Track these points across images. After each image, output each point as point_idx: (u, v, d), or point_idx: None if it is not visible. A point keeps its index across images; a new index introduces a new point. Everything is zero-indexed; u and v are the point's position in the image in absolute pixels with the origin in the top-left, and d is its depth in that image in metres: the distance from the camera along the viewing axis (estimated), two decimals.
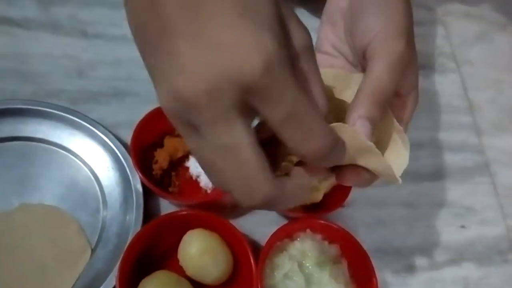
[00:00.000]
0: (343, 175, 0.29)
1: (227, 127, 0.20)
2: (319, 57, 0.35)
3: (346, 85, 0.32)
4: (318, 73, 0.24)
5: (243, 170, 0.21)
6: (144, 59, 0.22)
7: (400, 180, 0.29)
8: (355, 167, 0.29)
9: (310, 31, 0.29)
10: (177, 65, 0.19)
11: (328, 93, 0.33)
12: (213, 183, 0.24)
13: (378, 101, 0.28)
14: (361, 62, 0.32)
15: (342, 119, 0.30)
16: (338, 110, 0.32)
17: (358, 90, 0.29)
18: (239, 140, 0.20)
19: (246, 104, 0.20)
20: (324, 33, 0.37)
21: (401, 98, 0.32)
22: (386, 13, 0.31)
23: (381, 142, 0.31)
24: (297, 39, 0.23)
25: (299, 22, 0.23)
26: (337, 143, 0.23)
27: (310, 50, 0.23)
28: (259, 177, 0.21)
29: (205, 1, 0.19)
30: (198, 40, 0.19)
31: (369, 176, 0.29)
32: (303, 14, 0.63)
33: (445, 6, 0.75)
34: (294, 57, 0.23)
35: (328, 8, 0.37)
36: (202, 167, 0.23)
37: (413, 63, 0.32)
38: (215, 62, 0.19)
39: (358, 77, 0.31)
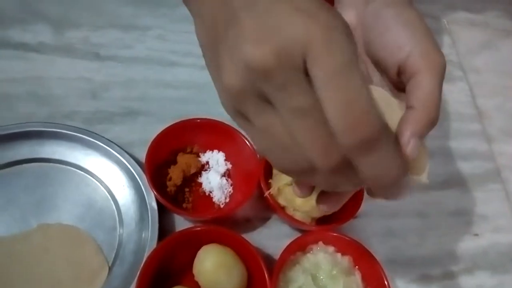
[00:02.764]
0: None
1: (299, 88, 0.21)
2: None
3: (386, 107, 0.33)
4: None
5: (320, 130, 0.21)
6: (209, 57, 0.25)
7: (427, 180, 0.29)
8: None
9: None
10: (243, 38, 0.21)
11: None
12: (280, 161, 0.24)
13: (433, 118, 0.28)
14: (394, 78, 0.32)
15: None
16: None
17: (411, 108, 0.29)
18: (312, 100, 0.21)
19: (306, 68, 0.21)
20: None
21: None
22: (412, 25, 0.31)
23: None
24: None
25: None
26: (380, 134, 0.21)
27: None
28: (334, 135, 0.21)
29: None
30: (261, 13, 0.21)
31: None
32: None
33: (450, 15, 0.76)
34: None
35: None
36: (270, 147, 0.24)
37: None
38: (278, 27, 0.20)
39: (396, 103, 0.31)
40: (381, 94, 0.33)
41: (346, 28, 0.22)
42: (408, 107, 0.29)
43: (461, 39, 0.73)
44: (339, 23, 0.21)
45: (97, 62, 0.54)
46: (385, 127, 0.22)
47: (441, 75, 0.29)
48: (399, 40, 0.31)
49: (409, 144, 0.27)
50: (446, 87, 0.66)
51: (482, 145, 0.64)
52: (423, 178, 0.31)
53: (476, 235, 0.56)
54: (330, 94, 0.20)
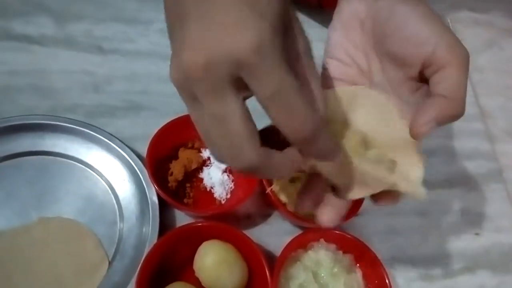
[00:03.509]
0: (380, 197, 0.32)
1: (219, 97, 0.23)
2: (331, 63, 0.36)
3: (356, 102, 0.34)
4: (317, 73, 0.27)
5: (231, 138, 0.24)
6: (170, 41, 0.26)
7: (424, 194, 0.30)
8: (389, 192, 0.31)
9: (319, 42, 0.32)
10: (185, 41, 0.23)
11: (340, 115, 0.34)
12: (209, 149, 0.27)
13: (459, 111, 0.30)
14: (411, 71, 0.33)
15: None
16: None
17: (438, 95, 0.30)
18: (229, 110, 0.23)
19: (239, 78, 0.23)
20: (337, 39, 0.36)
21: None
22: (432, 19, 0.31)
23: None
24: (300, 41, 0.26)
25: (303, 29, 0.27)
26: (321, 128, 0.24)
27: (310, 53, 0.27)
28: (245, 145, 0.24)
29: None
30: (205, 21, 0.23)
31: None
32: (311, 26, 0.64)
33: (454, 14, 0.75)
34: (295, 55, 0.26)
35: (341, 13, 0.36)
36: (200, 135, 0.26)
37: None
38: (215, 39, 0.22)
39: (392, 106, 0.33)
40: (377, 98, 0.34)
41: (279, 40, 0.23)
42: (434, 95, 0.30)
43: (465, 38, 0.73)
44: (272, 37, 0.22)
45: (100, 55, 0.54)
46: (321, 122, 0.25)
47: (467, 68, 0.30)
48: (422, 35, 0.31)
49: (425, 126, 0.29)
50: None
51: (484, 145, 0.64)
52: (415, 188, 0.31)
53: (478, 234, 0.56)
54: (272, 113, 0.23)
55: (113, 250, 0.43)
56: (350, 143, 0.32)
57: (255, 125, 0.24)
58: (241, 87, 0.23)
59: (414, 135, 0.30)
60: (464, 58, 0.30)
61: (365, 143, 0.33)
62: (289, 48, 0.25)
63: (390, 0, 0.33)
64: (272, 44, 0.22)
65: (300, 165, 0.27)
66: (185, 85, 0.24)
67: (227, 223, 0.43)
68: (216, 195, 0.49)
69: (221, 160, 0.26)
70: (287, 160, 0.26)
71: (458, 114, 0.30)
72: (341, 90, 0.34)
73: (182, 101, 0.27)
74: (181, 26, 0.24)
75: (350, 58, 0.36)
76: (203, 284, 0.41)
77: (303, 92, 0.23)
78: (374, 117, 0.33)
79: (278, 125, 0.23)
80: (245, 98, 0.24)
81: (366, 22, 0.34)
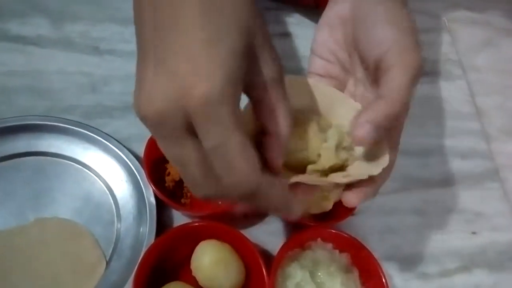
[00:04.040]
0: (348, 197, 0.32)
1: (175, 142, 0.23)
2: (315, 61, 0.37)
3: (333, 104, 0.34)
4: (284, 102, 0.26)
5: (189, 179, 0.25)
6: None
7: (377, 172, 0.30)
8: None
9: None
10: (141, 87, 0.23)
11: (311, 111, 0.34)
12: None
13: (396, 111, 0.29)
14: (372, 72, 0.33)
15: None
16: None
17: (378, 98, 0.30)
18: (185, 154, 0.23)
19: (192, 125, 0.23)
20: (322, 37, 0.37)
21: None
22: (397, 23, 0.31)
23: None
24: (267, 70, 0.25)
25: (273, 53, 0.25)
26: (260, 187, 0.24)
27: (278, 81, 0.26)
28: (201, 186, 0.25)
29: (174, 28, 0.22)
30: (160, 68, 0.22)
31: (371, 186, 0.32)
32: (307, 25, 0.64)
33: (451, 13, 0.75)
34: (262, 83, 0.25)
35: (328, 13, 0.37)
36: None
37: None
38: (167, 88, 0.22)
39: (346, 99, 0.33)
40: (328, 91, 0.34)
41: (232, 90, 0.22)
42: (376, 98, 0.30)
43: (462, 37, 0.73)
44: (224, 88, 0.21)
45: (97, 56, 0.54)
46: (260, 179, 0.24)
47: (413, 73, 0.30)
48: (380, 37, 0.31)
49: (361, 128, 0.29)
50: (445, 85, 0.67)
51: (481, 144, 0.64)
52: (375, 171, 0.31)
53: (474, 233, 0.56)
54: (214, 162, 0.23)
55: (111, 250, 0.43)
56: (312, 128, 0.32)
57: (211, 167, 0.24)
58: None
59: (354, 141, 0.30)
60: (414, 63, 0.30)
61: (323, 127, 0.33)
62: (256, 76, 0.25)
63: (371, 1, 0.33)
64: (221, 96, 0.21)
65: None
66: (146, 125, 0.24)
67: (224, 222, 0.43)
68: None
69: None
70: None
71: (394, 115, 0.29)
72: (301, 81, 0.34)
73: None
74: (140, 65, 0.23)
75: (333, 56, 0.37)
76: (200, 284, 0.41)
77: (244, 144, 0.23)
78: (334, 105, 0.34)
79: (218, 171, 0.23)
80: None
81: (348, 22, 0.35)
